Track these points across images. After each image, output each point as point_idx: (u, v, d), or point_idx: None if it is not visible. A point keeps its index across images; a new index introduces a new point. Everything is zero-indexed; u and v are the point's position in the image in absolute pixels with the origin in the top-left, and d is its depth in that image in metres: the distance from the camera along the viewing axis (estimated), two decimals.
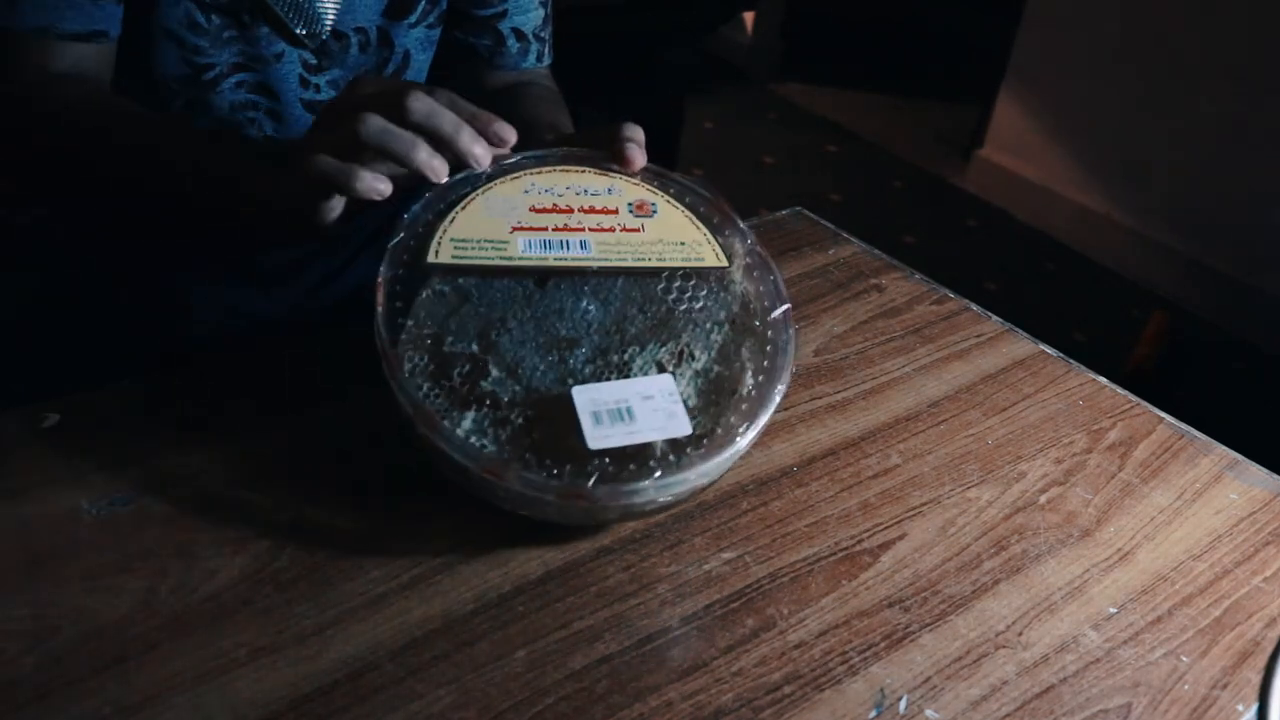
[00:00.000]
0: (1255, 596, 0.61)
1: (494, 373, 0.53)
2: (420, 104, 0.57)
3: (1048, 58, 2.71)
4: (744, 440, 0.54)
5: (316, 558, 0.55)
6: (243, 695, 0.47)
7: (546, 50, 0.94)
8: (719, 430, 0.54)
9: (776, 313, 0.60)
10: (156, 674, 0.48)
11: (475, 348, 0.54)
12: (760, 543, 0.60)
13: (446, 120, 0.57)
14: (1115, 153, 2.63)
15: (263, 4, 0.74)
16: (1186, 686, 0.55)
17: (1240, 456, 0.72)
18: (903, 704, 0.51)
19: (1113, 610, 0.59)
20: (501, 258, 0.56)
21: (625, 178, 0.63)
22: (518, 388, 0.53)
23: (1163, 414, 0.75)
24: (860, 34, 3.74)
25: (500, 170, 0.60)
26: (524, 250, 0.57)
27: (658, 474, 0.51)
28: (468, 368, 0.53)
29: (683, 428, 0.53)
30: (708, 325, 0.59)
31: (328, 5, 0.77)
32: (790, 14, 3.47)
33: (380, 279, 0.55)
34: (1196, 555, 0.63)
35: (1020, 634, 0.56)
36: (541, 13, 0.92)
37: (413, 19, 0.83)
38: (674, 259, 0.60)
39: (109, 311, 0.84)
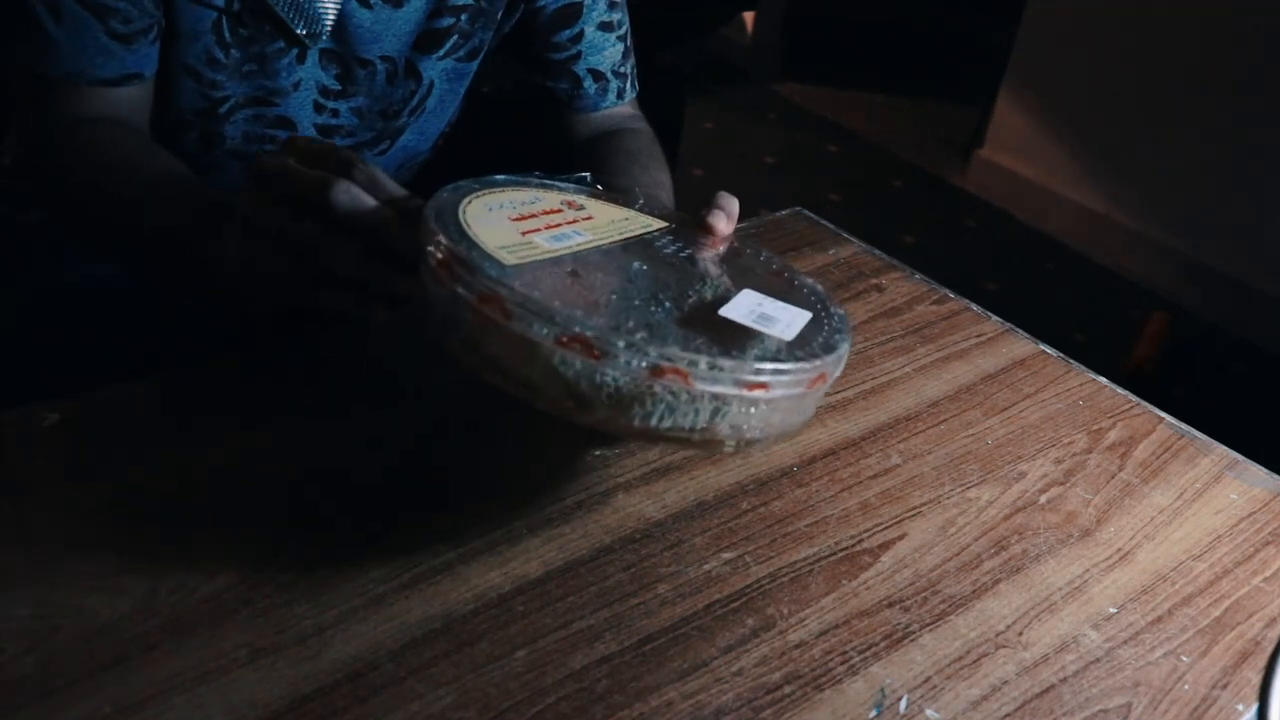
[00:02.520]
0: (1255, 596, 0.61)
1: (629, 324, 0.51)
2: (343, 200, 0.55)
3: (1048, 58, 2.71)
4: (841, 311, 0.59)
5: (316, 558, 0.55)
6: (243, 695, 0.47)
7: (628, 85, 0.92)
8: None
9: (764, 254, 0.66)
10: (156, 674, 0.48)
11: (588, 319, 0.49)
12: (760, 543, 0.60)
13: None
14: (1115, 153, 2.62)
15: (263, 4, 0.74)
16: (1186, 686, 0.55)
17: (1240, 456, 0.72)
18: (903, 704, 0.51)
19: (1113, 610, 0.59)
20: (544, 253, 0.55)
21: (537, 187, 0.63)
22: (663, 331, 0.51)
23: (1163, 414, 0.75)
24: (860, 34, 3.73)
25: (455, 195, 0.58)
26: (549, 244, 0.56)
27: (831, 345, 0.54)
28: (603, 321, 0.50)
29: (806, 314, 0.56)
30: (716, 266, 0.62)
31: (328, 5, 0.77)
32: (790, 14, 3.47)
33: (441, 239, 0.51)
34: (1196, 555, 0.63)
35: (1020, 634, 0.56)
36: (620, 48, 0.90)
37: (441, 52, 0.83)
38: (637, 229, 0.63)
39: (109, 311, 0.84)
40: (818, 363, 0.52)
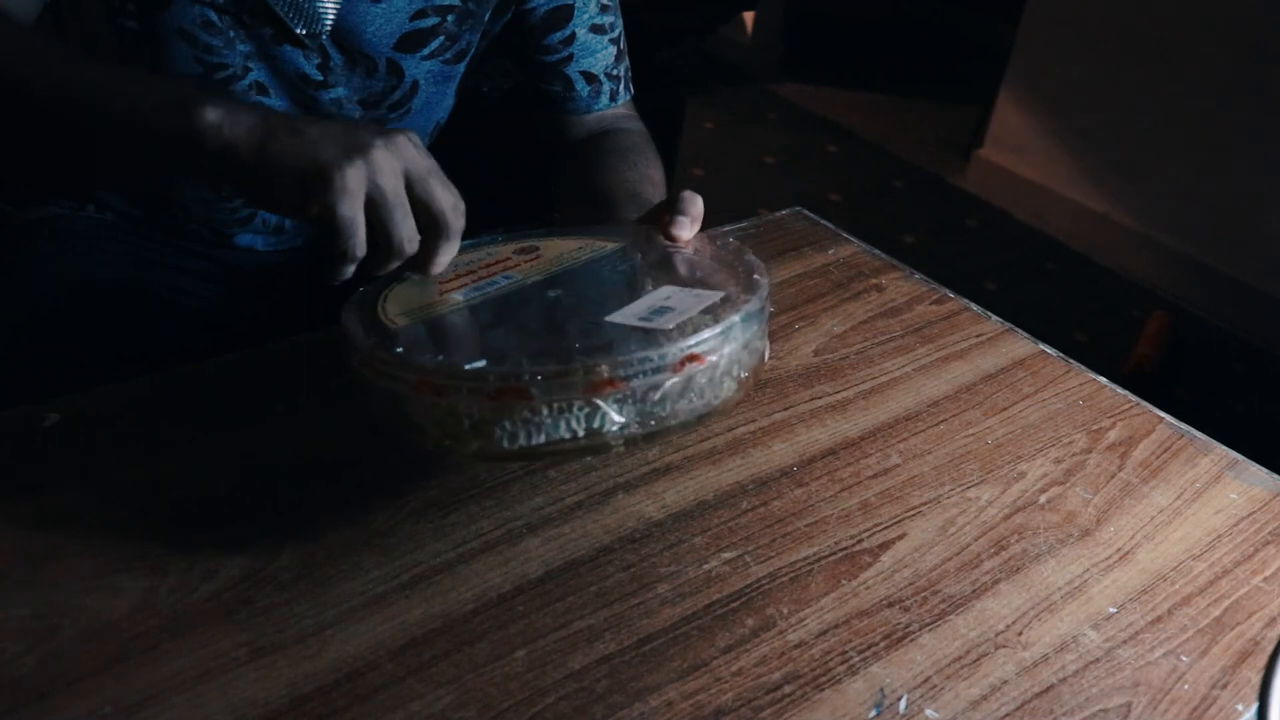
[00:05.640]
0: (1255, 596, 0.61)
1: (523, 362, 0.50)
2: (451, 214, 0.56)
3: (1048, 58, 2.71)
4: (764, 281, 0.56)
5: (316, 558, 0.55)
6: (243, 695, 0.47)
7: (622, 88, 0.92)
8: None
9: (720, 242, 0.63)
10: (156, 674, 0.48)
11: (485, 362, 0.50)
12: (760, 543, 0.60)
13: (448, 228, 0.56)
14: (1115, 153, 2.62)
15: (263, 3, 0.74)
16: (1186, 686, 0.55)
17: (1240, 456, 0.72)
18: (903, 704, 0.51)
19: (1113, 610, 0.59)
20: (451, 306, 0.56)
21: (491, 244, 0.64)
22: (553, 364, 0.50)
23: (1163, 414, 0.75)
24: (860, 34, 3.74)
25: (385, 282, 0.59)
26: (465, 297, 0.57)
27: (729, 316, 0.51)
28: (489, 364, 0.50)
29: (716, 294, 0.54)
30: (653, 272, 0.60)
31: (328, 5, 0.77)
32: (790, 14, 3.47)
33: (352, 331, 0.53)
34: (1196, 555, 0.63)
35: (1020, 634, 0.56)
36: (612, 50, 0.90)
37: (425, 52, 0.83)
38: (586, 255, 0.62)
39: (109, 310, 0.84)
40: (671, 348, 0.48)
